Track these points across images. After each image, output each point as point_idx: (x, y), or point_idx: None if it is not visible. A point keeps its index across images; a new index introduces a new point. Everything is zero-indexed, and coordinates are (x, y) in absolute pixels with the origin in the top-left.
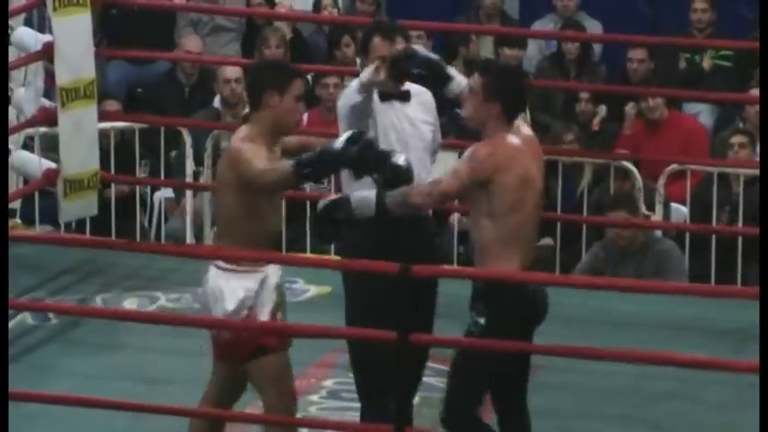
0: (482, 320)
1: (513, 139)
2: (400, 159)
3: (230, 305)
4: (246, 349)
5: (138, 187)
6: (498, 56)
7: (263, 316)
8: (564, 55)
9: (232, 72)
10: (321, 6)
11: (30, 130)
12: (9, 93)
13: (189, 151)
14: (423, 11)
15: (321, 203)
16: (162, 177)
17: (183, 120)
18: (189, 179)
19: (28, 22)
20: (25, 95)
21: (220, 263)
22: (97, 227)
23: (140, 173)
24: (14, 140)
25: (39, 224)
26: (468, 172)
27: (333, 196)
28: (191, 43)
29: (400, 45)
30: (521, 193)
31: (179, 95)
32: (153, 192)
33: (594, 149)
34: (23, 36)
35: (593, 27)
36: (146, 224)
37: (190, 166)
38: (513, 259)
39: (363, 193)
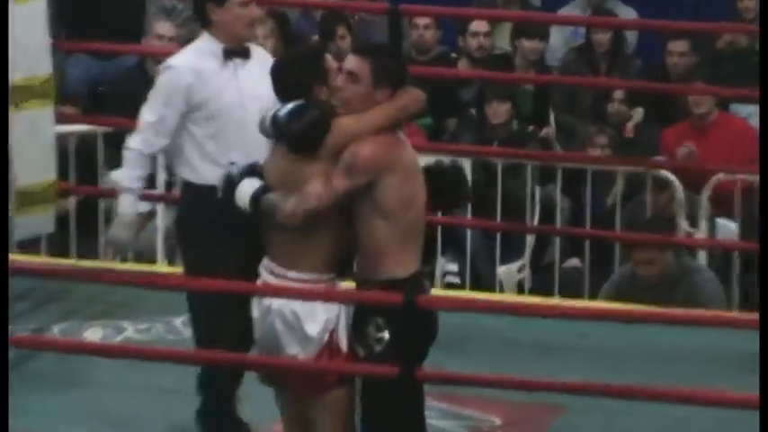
0: (385, 335)
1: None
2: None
3: (312, 328)
4: (325, 384)
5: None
6: (515, 48)
7: (344, 339)
8: (593, 47)
9: None
10: None
11: None
12: None
13: (160, 158)
14: None
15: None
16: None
17: None
18: (161, 190)
19: None
20: None
21: (289, 276)
22: (54, 245)
23: (104, 183)
24: None
25: None
26: (344, 184)
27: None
28: (162, 28)
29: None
30: (410, 187)
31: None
32: None
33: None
34: None
35: (627, 15)
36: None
37: (161, 175)
38: (410, 260)
39: (252, 182)
